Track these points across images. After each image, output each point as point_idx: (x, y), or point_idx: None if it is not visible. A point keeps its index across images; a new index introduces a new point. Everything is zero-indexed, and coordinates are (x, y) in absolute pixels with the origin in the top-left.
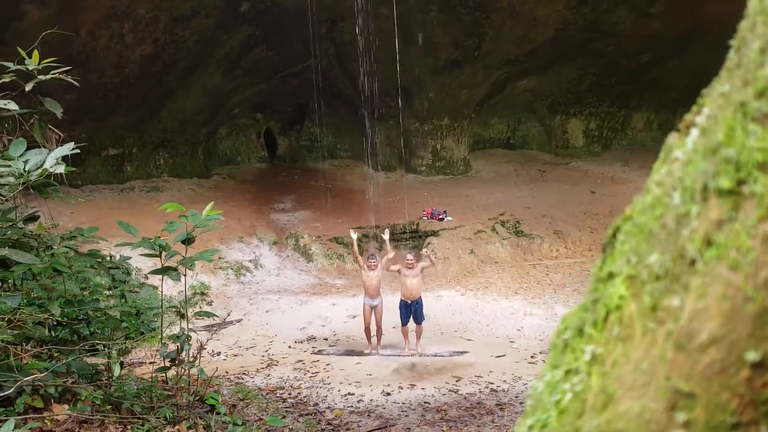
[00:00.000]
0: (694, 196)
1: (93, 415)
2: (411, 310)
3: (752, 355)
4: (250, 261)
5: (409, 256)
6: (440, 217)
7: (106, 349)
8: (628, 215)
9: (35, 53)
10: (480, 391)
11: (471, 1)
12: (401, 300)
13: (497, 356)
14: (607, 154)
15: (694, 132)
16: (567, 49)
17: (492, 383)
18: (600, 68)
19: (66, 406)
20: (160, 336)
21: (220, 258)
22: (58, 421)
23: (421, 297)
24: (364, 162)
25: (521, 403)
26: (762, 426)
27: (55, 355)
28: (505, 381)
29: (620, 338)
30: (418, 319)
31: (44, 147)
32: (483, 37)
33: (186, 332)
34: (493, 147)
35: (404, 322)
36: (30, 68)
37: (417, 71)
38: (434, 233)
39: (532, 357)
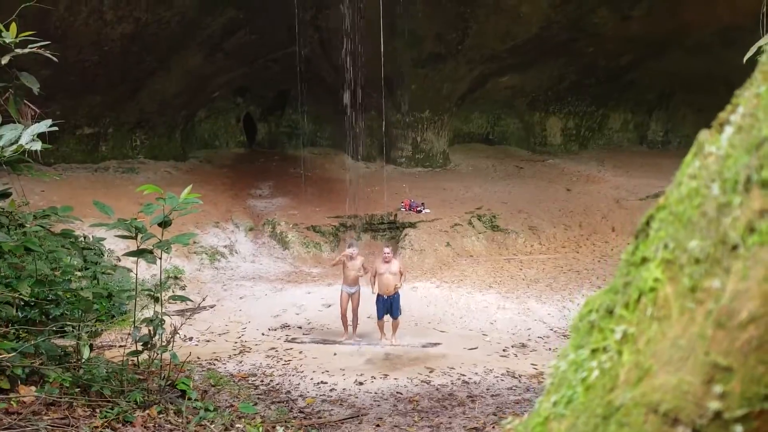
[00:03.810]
0: (736, 188)
1: (61, 398)
2: (387, 304)
3: None
4: (226, 247)
5: (387, 250)
6: (418, 209)
7: (75, 330)
8: (663, 205)
9: (13, 26)
10: (452, 383)
11: None
12: (378, 295)
13: (470, 349)
14: (583, 153)
15: (729, 129)
16: (549, 47)
17: (464, 375)
18: (580, 68)
19: (33, 388)
20: (132, 319)
21: (194, 243)
22: (25, 402)
23: (398, 292)
24: (344, 151)
25: (492, 395)
26: None
27: (23, 335)
28: (476, 373)
29: (655, 318)
30: (394, 314)
31: (19, 122)
32: (467, 31)
33: (160, 316)
34: (472, 141)
35: (380, 317)
36: (7, 41)
37: (400, 63)
38: (412, 225)
39: (504, 350)
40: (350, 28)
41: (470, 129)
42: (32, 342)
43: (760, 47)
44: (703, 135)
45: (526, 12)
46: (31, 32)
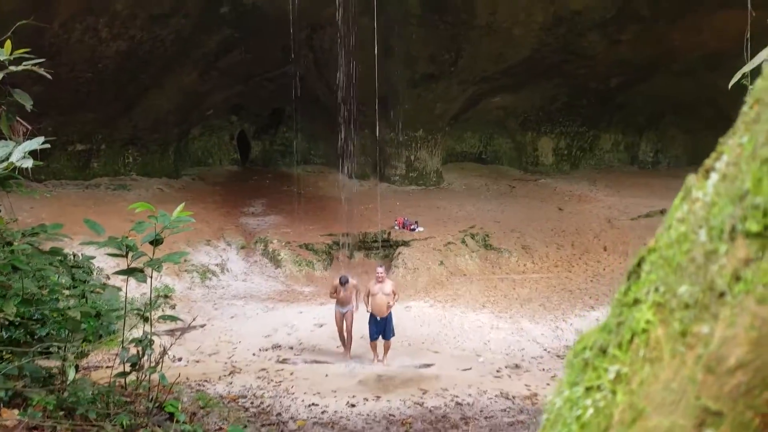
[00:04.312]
0: (722, 236)
1: (44, 422)
2: (380, 325)
3: None
4: (217, 265)
5: (380, 270)
6: (411, 227)
7: (61, 351)
8: (653, 247)
9: (7, 43)
10: (445, 405)
11: (450, 17)
12: (370, 315)
13: (463, 369)
14: (575, 173)
15: (714, 176)
16: (540, 69)
17: (457, 396)
18: (571, 89)
19: (16, 411)
20: (120, 339)
21: (186, 261)
22: (7, 427)
23: (391, 313)
24: (338, 169)
25: (486, 417)
26: None
27: (7, 356)
28: (470, 395)
29: (647, 359)
30: (387, 335)
31: (11, 139)
32: (460, 52)
33: (149, 336)
34: (465, 160)
35: (373, 338)
36: (1, 59)
37: (394, 82)
38: (405, 243)
39: (497, 371)
40: (345, 48)
41: (463, 148)
42: (16, 364)
43: (744, 73)
44: (691, 180)
45: (519, 34)
46: (25, 49)
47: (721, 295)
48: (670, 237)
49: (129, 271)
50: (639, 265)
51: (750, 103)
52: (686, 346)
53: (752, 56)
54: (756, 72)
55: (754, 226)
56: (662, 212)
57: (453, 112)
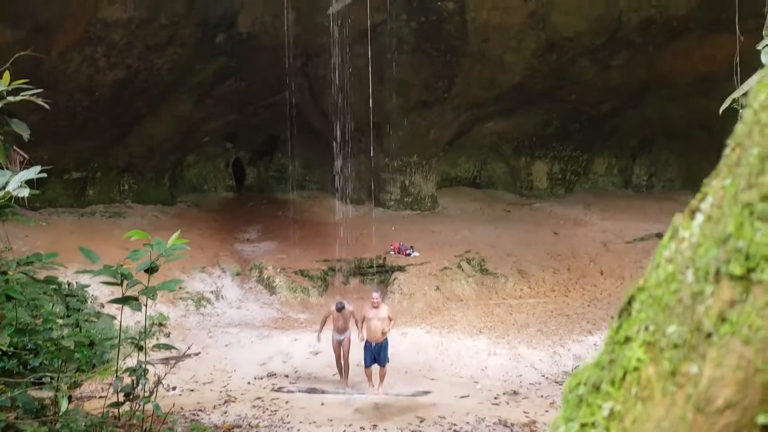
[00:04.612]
0: (708, 277)
1: None
2: (375, 351)
3: (762, 419)
4: (212, 292)
5: (375, 295)
6: (407, 252)
7: (54, 381)
8: (643, 286)
9: (6, 74)
10: None
11: (442, 45)
12: (366, 341)
13: (461, 397)
14: (569, 197)
15: (700, 216)
16: (532, 94)
17: (455, 425)
18: (564, 114)
19: None
20: (115, 368)
21: (180, 288)
22: None
23: (386, 339)
24: (333, 194)
25: None
26: None
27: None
28: (468, 422)
29: (639, 398)
30: (382, 362)
31: (7, 169)
32: (453, 79)
33: (143, 365)
34: (460, 185)
35: (368, 364)
36: (0, 89)
37: (388, 109)
38: (401, 268)
39: (495, 398)
40: (339, 76)
41: (458, 173)
42: (9, 395)
43: (734, 99)
44: (677, 219)
45: (510, 61)
46: (24, 80)
47: (708, 335)
48: (659, 276)
49: (123, 300)
50: (629, 303)
51: (732, 146)
52: (676, 386)
53: (742, 80)
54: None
55: (737, 269)
56: (658, 236)
57: (447, 138)
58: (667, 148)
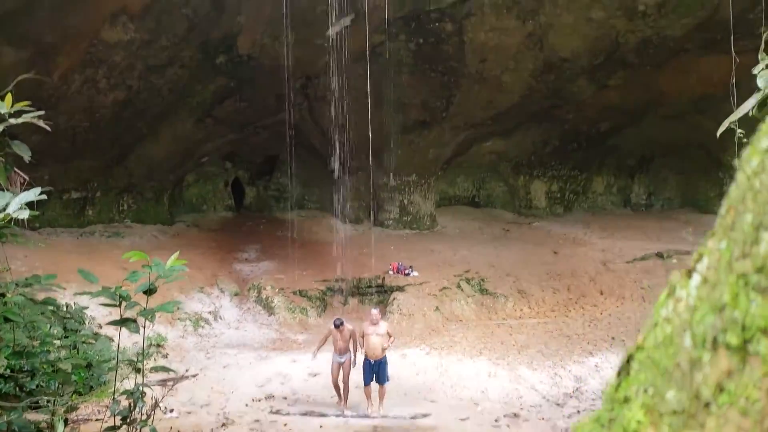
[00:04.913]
0: (705, 344)
1: None
2: (375, 369)
3: None
4: (210, 312)
5: (374, 311)
6: (406, 272)
7: (50, 404)
8: (641, 345)
9: (8, 97)
10: None
11: (441, 66)
12: (365, 359)
13: (461, 419)
14: (569, 216)
15: (696, 277)
16: (531, 114)
17: None
18: (562, 133)
19: None
20: (112, 391)
21: (178, 308)
22: None
23: (385, 356)
24: (332, 213)
25: None
26: None
27: None
28: None
29: None
30: (382, 380)
31: (8, 190)
32: (451, 99)
33: (141, 388)
34: (458, 204)
35: (367, 382)
36: (2, 111)
37: (387, 128)
38: (400, 288)
39: (496, 421)
40: (338, 96)
41: (456, 192)
42: (5, 418)
43: (730, 122)
44: (675, 277)
45: (508, 81)
46: (26, 102)
47: (707, 405)
48: (657, 337)
49: (121, 322)
50: (628, 362)
51: (726, 207)
52: None
53: (738, 101)
54: (744, 119)
55: (734, 340)
56: (658, 255)
57: (445, 157)
58: (666, 166)
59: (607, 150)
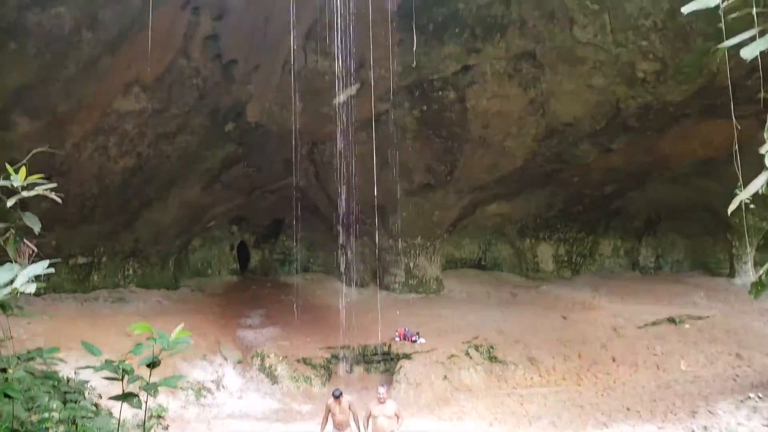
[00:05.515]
0: None
1: None
2: None
3: None
4: (213, 381)
5: (381, 390)
6: (413, 339)
7: None
8: None
9: (23, 170)
10: None
11: (444, 132)
12: None
13: None
14: (577, 279)
15: None
16: (535, 177)
17: None
18: (567, 196)
19: None
20: None
21: (181, 380)
22: None
23: None
24: (337, 277)
25: None
26: None
27: None
28: None
29: None
30: None
31: (16, 261)
32: (455, 163)
33: None
34: (465, 267)
35: None
36: (15, 184)
37: (392, 192)
38: (407, 356)
39: None
40: (344, 161)
41: (462, 255)
42: None
43: (741, 201)
44: None
45: (511, 146)
46: (39, 175)
47: None
48: None
49: (123, 397)
50: None
51: None
52: None
53: (741, 165)
54: (756, 199)
55: None
56: (669, 320)
57: (451, 220)
58: (673, 229)
59: (613, 212)
